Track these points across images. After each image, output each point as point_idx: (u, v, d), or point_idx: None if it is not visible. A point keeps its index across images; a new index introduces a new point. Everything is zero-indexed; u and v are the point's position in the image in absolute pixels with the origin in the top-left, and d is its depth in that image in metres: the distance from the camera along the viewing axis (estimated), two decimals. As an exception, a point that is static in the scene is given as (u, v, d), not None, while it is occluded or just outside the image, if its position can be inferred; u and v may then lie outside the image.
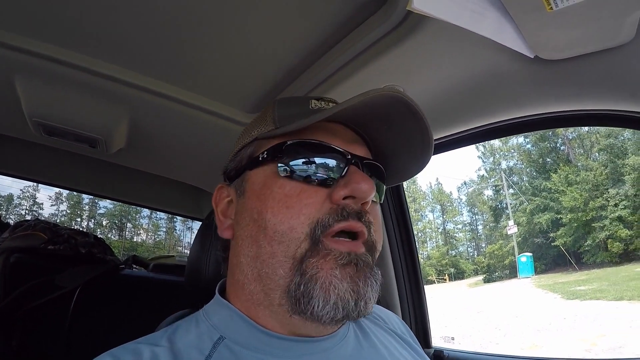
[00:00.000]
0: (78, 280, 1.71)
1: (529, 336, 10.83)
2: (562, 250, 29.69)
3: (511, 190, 40.50)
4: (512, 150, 43.83)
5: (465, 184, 54.90)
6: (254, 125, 0.76)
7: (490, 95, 1.17)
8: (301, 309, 0.58)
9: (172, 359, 0.59)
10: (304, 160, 0.64)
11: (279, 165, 0.65)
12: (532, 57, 0.93)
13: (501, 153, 44.80)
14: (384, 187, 0.77)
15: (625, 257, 25.73)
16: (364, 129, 0.72)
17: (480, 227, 52.57)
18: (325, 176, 0.64)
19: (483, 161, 48.19)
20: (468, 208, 53.54)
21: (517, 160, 43.85)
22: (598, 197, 28.41)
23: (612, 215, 26.86)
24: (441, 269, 45.78)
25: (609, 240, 26.36)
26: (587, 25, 0.81)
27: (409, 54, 1.02)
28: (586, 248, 27.98)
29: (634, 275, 18.45)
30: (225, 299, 0.70)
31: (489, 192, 48.53)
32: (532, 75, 1.04)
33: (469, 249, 53.33)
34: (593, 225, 27.71)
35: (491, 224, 46.53)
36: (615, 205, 27.26)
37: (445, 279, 42.51)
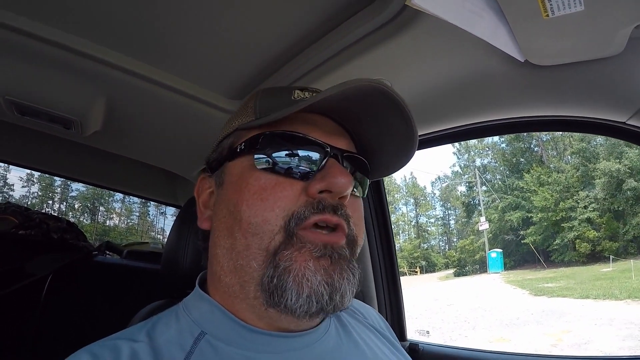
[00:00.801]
0: (49, 268, 1.68)
1: (497, 330, 10.95)
2: (532, 248, 30.73)
3: (484, 188, 41.47)
4: (487, 149, 44.93)
5: (439, 179, 55.97)
6: (236, 115, 0.75)
7: (477, 95, 1.18)
8: (275, 301, 0.57)
9: (152, 355, 0.58)
10: (280, 152, 0.63)
11: (255, 156, 0.64)
12: (523, 61, 0.95)
13: (476, 151, 45.85)
14: (368, 180, 0.75)
15: (592, 257, 26.77)
16: (347, 122, 0.71)
17: (452, 222, 53.92)
18: (302, 169, 0.63)
19: (458, 157, 49.28)
20: (441, 203, 54.73)
21: (491, 159, 44.97)
22: (568, 199, 29.43)
23: (581, 216, 27.97)
24: (413, 261, 46.65)
25: (577, 240, 27.44)
26: (580, 35, 0.84)
27: (400, 50, 1.01)
28: (555, 247, 29.13)
29: (599, 275, 19.11)
30: (205, 291, 0.69)
31: (462, 188, 49.77)
32: (520, 79, 1.07)
33: (440, 242, 54.73)
34: (562, 225, 28.82)
35: (463, 220, 47.63)
36: (585, 207, 28.39)
37: (417, 272, 43.32)
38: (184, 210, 1.04)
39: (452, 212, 53.59)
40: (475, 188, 43.92)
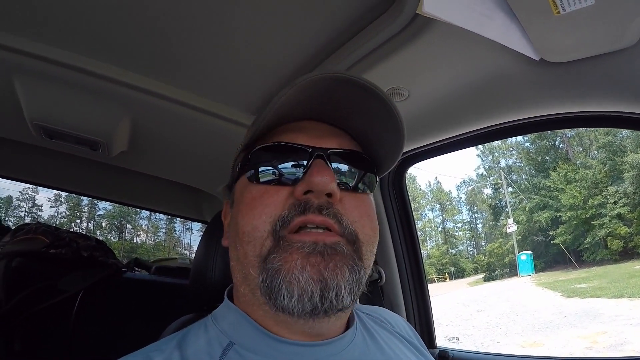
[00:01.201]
0: (80, 284, 1.71)
1: (530, 334, 10.80)
2: (562, 248, 29.57)
3: (510, 189, 40.39)
4: (511, 149, 43.74)
5: (464, 182, 54.85)
6: (245, 135, 0.77)
7: (494, 97, 1.18)
8: (275, 304, 0.58)
9: None
10: (267, 163, 0.66)
11: (247, 172, 0.68)
12: (538, 59, 0.94)
13: (500, 151, 44.73)
14: (374, 176, 0.74)
15: (625, 254, 25.69)
16: (337, 121, 0.73)
17: (479, 225, 52.51)
18: (290, 175, 0.65)
19: (482, 160, 48.13)
20: (467, 207, 53.55)
21: (516, 159, 43.75)
22: (597, 195, 28.29)
23: (611, 212, 26.81)
24: (441, 267, 45.57)
25: (609, 237, 26.33)
26: (593, 29, 0.83)
27: (415, 57, 1.02)
28: (586, 246, 27.88)
29: (634, 272, 18.38)
30: (234, 303, 0.71)
31: (488, 191, 48.51)
32: (537, 78, 1.06)
33: (468, 247, 53.21)
34: (592, 223, 27.66)
35: (491, 223, 46.38)
36: (615, 202, 27.25)
37: (446, 278, 42.36)
38: (211, 226, 1.05)
39: (479, 215, 52.28)
40: (501, 190, 42.89)
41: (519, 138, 41.52)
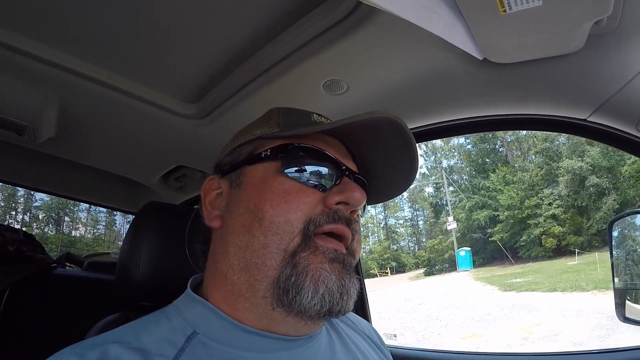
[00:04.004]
0: (6, 281, 1.66)
1: (469, 326, 10.95)
2: (499, 245, 31.70)
3: (451, 188, 42.68)
4: (453, 150, 46.52)
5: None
6: (255, 125, 0.79)
7: (438, 94, 1.18)
8: (288, 300, 0.60)
9: (140, 353, 0.58)
10: (304, 163, 0.69)
11: (283, 163, 0.69)
12: (481, 59, 0.94)
13: (442, 152, 47.27)
14: (365, 205, 0.79)
15: (558, 251, 28.00)
16: (355, 146, 0.77)
17: (421, 222, 55.12)
18: (321, 181, 0.68)
19: (425, 159, 50.49)
20: (409, 204, 55.81)
21: (457, 160, 46.25)
22: (533, 197, 30.55)
23: (546, 213, 29.15)
24: (383, 262, 47.38)
25: (543, 236, 28.59)
26: (539, 31, 0.83)
27: (355, 48, 1.00)
28: (522, 243, 30.21)
29: (566, 268, 19.77)
30: (198, 294, 0.70)
31: (429, 189, 50.92)
32: (481, 77, 1.07)
33: (410, 243, 55.87)
34: (528, 222, 29.95)
35: (432, 220, 48.91)
36: (549, 204, 29.67)
37: (387, 273, 43.83)
38: (139, 217, 1.01)
39: (421, 212, 54.82)
40: (442, 189, 45.00)
41: (461, 140, 44.44)
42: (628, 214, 1.17)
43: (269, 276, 0.61)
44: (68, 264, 2.20)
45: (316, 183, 0.67)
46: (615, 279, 1.16)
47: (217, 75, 1.19)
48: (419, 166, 0.75)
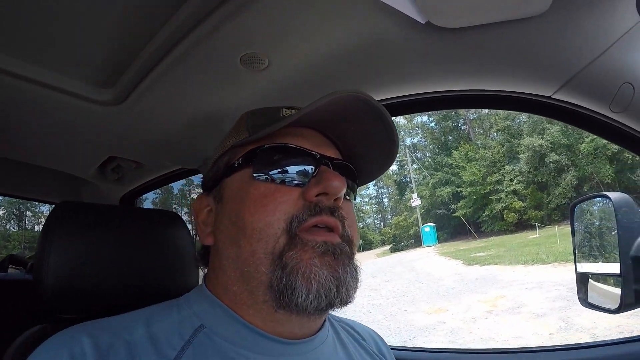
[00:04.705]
0: None
1: (435, 301, 11.09)
2: (463, 220, 32.64)
3: (415, 166, 43.62)
4: (417, 128, 47.28)
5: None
6: (229, 136, 0.80)
7: (374, 68, 1.06)
8: (285, 302, 0.60)
9: (150, 341, 0.61)
10: (276, 163, 0.68)
11: (254, 168, 0.69)
12: (424, 22, 0.85)
13: (406, 130, 47.65)
14: (357, 186, 0.82)
15: (520, 225, 29.36)
16: (333, 132, 0.77)
17: (385, 200, 56.03)
18: (297, 177, 0.68)
19: None
20: (374, 182, 56.20)
21: (421, 137, 46.92)
22: (495, 173, 31.59)
23: (507, 189, 30.29)
24: None
25: (505, 211, 29.81)
26: None
27: (273, 15, 0.87)
28: (484, 218, 31.36)
29: (527, 241, 20.55)
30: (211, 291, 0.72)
31: (394, 167, 51.42)
32: (424, 46, 0.95)
33: (375, 220, 56.62)
34: (490, 197, 31.03)
35: (396, 197, 49.97)
36: (511, 180, 30.85)
37: (355, 250, 44.26)
38: (50, 219, 0.90)
39: (385, 190, 55.71)
40: (406, 166, 45.78)
41: (424, 118, 45.11)
42: (589, 198, 1.12)
43: (263, 281, 0.62)
44: (13, 266, 2.20)
45: (293, 180, 0.68)
46: (577, 263, 1.11)
47: (126, 55, 1.09)
48: (398, 140, 0.75)
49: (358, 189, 0.85)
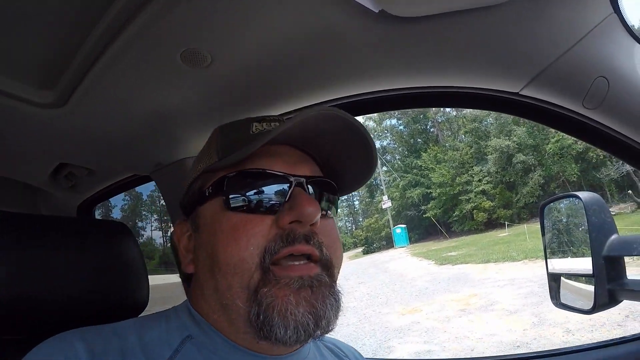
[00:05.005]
0: None
1: (409, 301, 11.04)
2: (433, 220, 33.23)
3: (385, 168, 44.15)
4: (386, 131, 47.81)
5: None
6: (201, 157, 0.79)
7: (327, 63, 0.99)
8: (265, 335, 0.60)
9: (141, 349, 0.62)
10: (247, 189, 0.67)
11: (224, 198, 0.67)
12: (377, 11, 0.79)
13: (375, 133, 48.36)
14: (338, 199, 0.79)
15: (489, 224, 30.25)
16: (309, 147, 0.74)
17: (356, 202, 56.35)
18: (270, 203, 0.66)
19: None
20: (345, 185, 57.32)
21: (390, 140, 47.55)
22: (464, 174, 32.33)
23: (476, 189, 31.07)
24: None
25: (475, 210, 30.48)
26: None
27: (213, 7, 0.80)
28: (455, 218, 32.05)
29: (497, 240, 21.03)
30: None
31: None
32: (380, 38, 0.88)
33: (347, 223, 56.84)
34: (460, 198, 31.77)
35: (367, 200, 50.35)
36: (479, 180, 31.66)
37: (327, 254, 44.66)
38: None
39: (356, 193, 56.38)
40: (376, 169, 46.19)
41: (393, 121, 45.77)
42: (559, 198, 1.11)
43: (242, 314, 0.62)
44: None
45: (265, 207, 0.66)
46: (548, 263, 1.10)
47: (65, 54, 1.00)
48: (375, 152, 0.73)
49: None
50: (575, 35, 0.79)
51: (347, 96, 1.13)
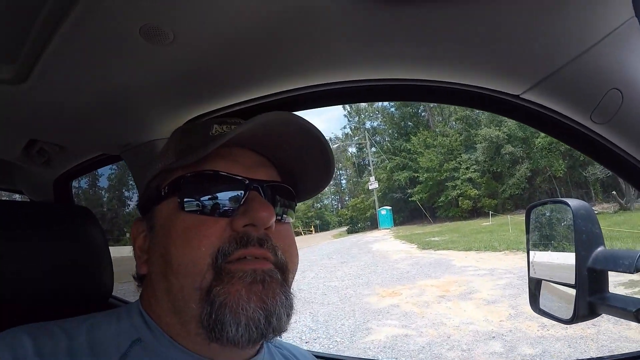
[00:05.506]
0: None
1: (389, 284, 11.15)
2: (419, 204, 33.49)
3: (374, 149, 44.12)
4: (377, 112, 47.61)
5: (330, 140, 58.14)
6: (160, 156, 0.79)
7: (302, 46, 0.89)
8: (217, 336, 0.60)
9: (90, 349, 0.62)
10: (202, 191, 0.67)
11: (179, 199, 0.68)
12: None
13: (366, 114, 48.08)
14: (295, 204, 0.80)
15: (474, 212, 30.68)
16: (267, 151, 0.75)
17: (344, 181, 56.51)
18: (225, 206, 0.67)
19: (349, 120, 51.74)
20: (333, 163, 57.52)
21: (380, 122, 47.43)
22: (452, 160, 32.41)
23: (463, 176, 31.33)
24: (307, 220, 48.62)
25: (460, 198, 30.84)
26: None
27: None
28: (440, 204, 32.40)
29: (480, 228, 21.32)
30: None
31: (352, 150, 52.09)
32: (363, 22, 0.77)
33: (333, 202, 57.03)
34: (446, 184, 32.05)
35: (354, 179, 50.36)
36: (467, 168, 31.93)
37: (312, 231, 44.97)
38: None
39: (343, 172, 56.23)
40: (365, 149, 46.25)
41: (385, 102, 44.80)
42: (546, 202, 1.09)
43: (194, 316, 0.61)
44: None
45: (220, 210, 0.66)
46: (530, 267, 1.07)
47: (22, 26, 0.94)
48: (333, 158, 0.75)
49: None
50: (588, 39, 0.73)
51: (324, 84, 1.07)
